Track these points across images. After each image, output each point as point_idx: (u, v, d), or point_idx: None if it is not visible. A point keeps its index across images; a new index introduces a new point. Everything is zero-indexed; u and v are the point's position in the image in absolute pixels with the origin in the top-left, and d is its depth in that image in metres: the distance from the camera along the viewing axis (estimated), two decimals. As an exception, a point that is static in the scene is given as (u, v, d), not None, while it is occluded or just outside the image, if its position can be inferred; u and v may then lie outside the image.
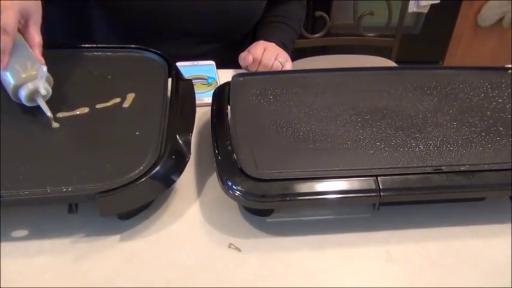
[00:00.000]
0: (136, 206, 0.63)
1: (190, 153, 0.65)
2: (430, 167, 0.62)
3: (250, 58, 0.91)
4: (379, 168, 0.62)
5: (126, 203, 0.60)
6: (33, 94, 0.66)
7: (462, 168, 0.62)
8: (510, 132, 0.69)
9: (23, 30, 0.68)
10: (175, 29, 0.97)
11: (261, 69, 0.93)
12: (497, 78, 0.80)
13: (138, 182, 0.58)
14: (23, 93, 0.66)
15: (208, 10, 0.95)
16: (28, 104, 0.68)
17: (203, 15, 0.96)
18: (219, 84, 0.83)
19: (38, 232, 0.61)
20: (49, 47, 0.80)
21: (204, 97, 0.85)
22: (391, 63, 1.54)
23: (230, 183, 0.59)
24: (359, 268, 0.59)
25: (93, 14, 0.99)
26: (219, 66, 0.94)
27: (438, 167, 0.62)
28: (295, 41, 1.10)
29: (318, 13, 1.54)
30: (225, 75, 0.89)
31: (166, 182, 0.62)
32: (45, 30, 0.71)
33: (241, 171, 0.60)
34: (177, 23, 0.96)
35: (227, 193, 0.60)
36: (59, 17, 1.04)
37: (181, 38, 0.97)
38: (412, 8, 1.86)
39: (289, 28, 1.05)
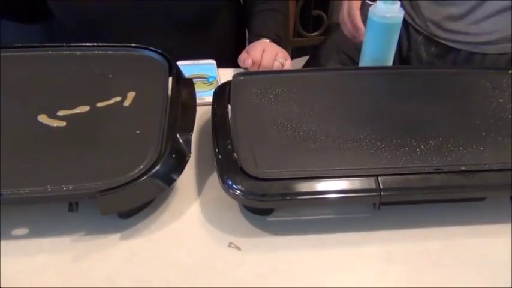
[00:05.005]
0: (137, 204, 0.63)
1: (190, 152, 0.65)
2: (430, 166, 0.62)
3: (250, 61, 0.91)
4: (379, 168, 0.62)
5: (127, 201, 0.60)
6: None
7: (462, 168, 0.62)
8: (510, 133, 0.69)
9: None
10: (141, 24, 0.97)
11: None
12: (498, 79, 0.80)
13: (138, 181, 0.58)
14: None
15: None
16: None
17: (162, 5, 0.96)
18: (219, 84, 0.83)
19: (39, 231, 0.62)
20: (50, 46, 0.81)
21: (204, 96, 0.85)
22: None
23: (230, 182, 0.59)
24: (359, 268, 0.59)
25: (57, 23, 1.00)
26: (197, 58, 0.95)
27: (438, 167, 0.62)
28: (294, 40, 1.10)
29: (315, 12, 1.55)
30: (226, 74, 0.89)
31: (167, 180, 0.62)
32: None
33: (242, 170, 0.60)
34: (140, 16, 0.96)
35: (227, 192, 0.60)
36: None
37: (148, 32, 0.97)
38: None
39: (279, 14, 1.06)
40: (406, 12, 1.03)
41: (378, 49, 0.85)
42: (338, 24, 1.14)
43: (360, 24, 0.92)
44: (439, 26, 0.98)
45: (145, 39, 0.83)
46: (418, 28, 1.02)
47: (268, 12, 1.05)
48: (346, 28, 0.96)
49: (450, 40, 0.98)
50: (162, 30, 0.99)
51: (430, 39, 1.01)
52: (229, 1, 1.07)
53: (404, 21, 1.02)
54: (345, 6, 0.96)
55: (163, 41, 0.85)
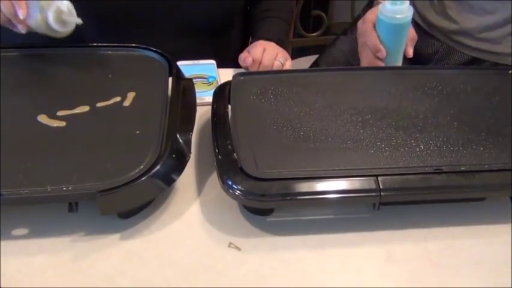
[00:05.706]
0: (137, 205, 0.63)
1: (190, 152, 0.65)
2: (430, 167, 0.62)
3: (250, 59, 0.91)
4: (379, 168, 0.62)
5: (127, 201, 0.60)
6: (60, 14, 0.73)
7: (462, 169, 0.62)
8: (510, 133, 0.69)
9: None
10: (155, 23, 0.97)
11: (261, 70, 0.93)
12: (498, 79, 0.80)
13: (138, 181, 0.58)
14: (51, 18, 0.72)
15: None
16: (60, 29, 0.74)
17: (178, 6, 0.96)
18: (219, 84, 0.83)
19: (38, 231, 0.62)
20: (50, 46, 0.81)
21: (204, 96, 0.85)
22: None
23: (230, 183, 0.59)
24: (359, 268, 0.59)
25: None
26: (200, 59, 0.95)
27: (438, 167, 0.62)
28: (294, 40, 1.10)
29: (315, 12, 1.55)
30: (226, 75, 0.89)
31: (167, 181, 0.62)
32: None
33: (242, 170, 0.60)
34: (155, 16, 0.96)
35: (227, 192, 0.60)
36: None
37: (162, 32, 0.97)
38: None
39: (282, 22, 1.06)
40: (427, 22, 0.99)
41: (386, 49, 0.84)
42: (343, 33, 1.14)
43: (379, 45, 0.85)
44: (470, 35, 0.94)
45: (150, 40, 0.83)
46: (440, 37, 0.98)
47: (272, 19, 1.05)
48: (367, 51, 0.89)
49: (479, 50, 0.94)
50: (170, 32, 0.98)
51: (454, 50, 0.97)
52: (242, 5, 1.07)
53: (424, 31, 1.00)
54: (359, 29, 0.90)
55: (167, 43, 0.85)
